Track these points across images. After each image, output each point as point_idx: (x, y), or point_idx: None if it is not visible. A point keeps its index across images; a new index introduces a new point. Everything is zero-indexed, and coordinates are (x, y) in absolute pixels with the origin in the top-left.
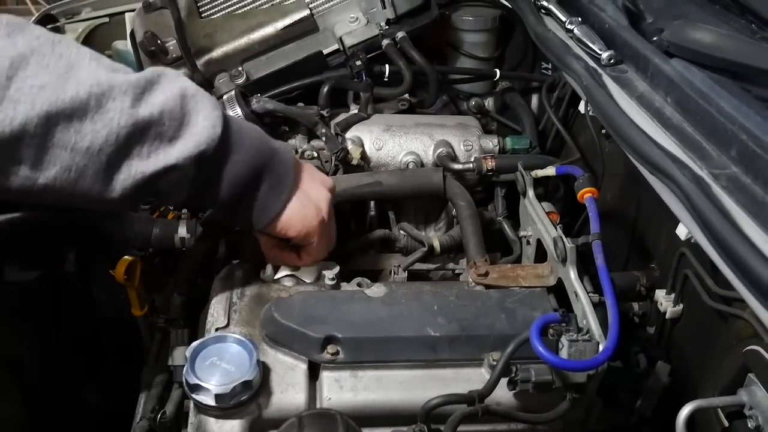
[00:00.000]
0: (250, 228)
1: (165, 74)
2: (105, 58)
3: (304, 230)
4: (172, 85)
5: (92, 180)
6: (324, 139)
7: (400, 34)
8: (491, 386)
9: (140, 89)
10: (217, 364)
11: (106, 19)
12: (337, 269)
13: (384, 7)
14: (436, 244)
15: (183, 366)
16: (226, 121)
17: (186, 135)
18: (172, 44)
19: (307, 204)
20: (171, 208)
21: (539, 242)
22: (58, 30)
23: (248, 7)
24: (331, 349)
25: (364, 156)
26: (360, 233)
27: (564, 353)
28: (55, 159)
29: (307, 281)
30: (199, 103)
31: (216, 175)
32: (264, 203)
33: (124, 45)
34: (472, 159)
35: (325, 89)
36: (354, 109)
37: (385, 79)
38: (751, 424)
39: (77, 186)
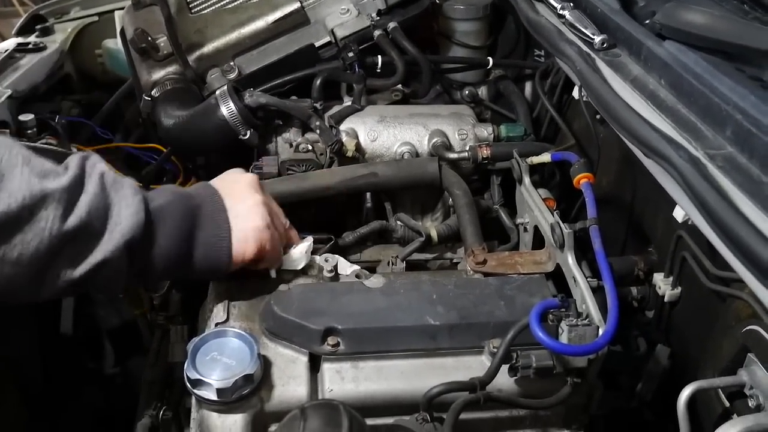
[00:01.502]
0: (214, 278)
1: (87, 164)
2: (36, 158)
3: (260, 248)
4: (94, 178)
5: (21, 287)
6: (318, 131)
7: (391, 25)
8: (492, 373)
9: (69, 194)
10: (217, 358)
11: (96, 18)
12: (335, 261)
13: None
14: (434, 234)
15: (183, 362)
16: (146, 201)
17: (112, 229)
18: (162, 41)
19: (248, 226)
20: None
21: (536, 229)
22: (47, 30)
23: (238, 2)
24: (331, 340)
25: (358, 148)
26: (357, 225)
27: (564, 338)
28: None
29: (298, 268)
30: (120, 191)
31: (149, 255)
32: (211, 255)
33: (115, 43)
34: (467, 148)
35: (318, 82)
36: (347, 101)
37: (378, 70)
38: (751, 403)
39: (7, 292)
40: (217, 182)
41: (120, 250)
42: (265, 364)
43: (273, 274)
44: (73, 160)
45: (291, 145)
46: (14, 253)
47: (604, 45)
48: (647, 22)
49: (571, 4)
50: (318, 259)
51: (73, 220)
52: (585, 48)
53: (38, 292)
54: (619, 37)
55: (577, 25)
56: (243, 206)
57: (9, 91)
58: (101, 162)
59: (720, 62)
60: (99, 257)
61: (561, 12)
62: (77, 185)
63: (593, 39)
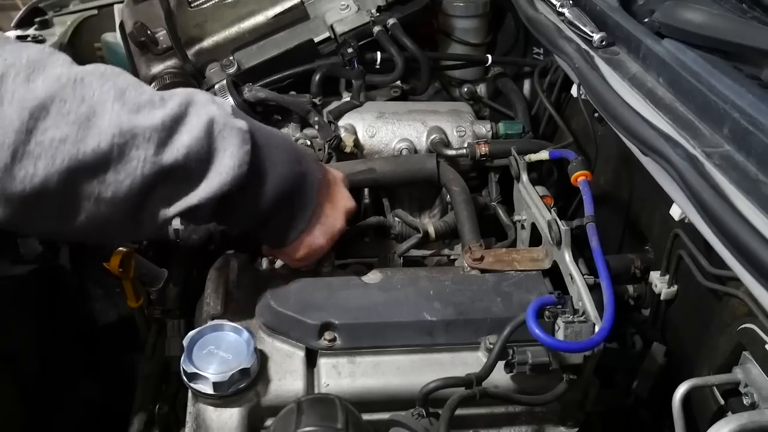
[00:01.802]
0: (256, 247)
1: (193, 104)
2: (132, 90)
3: (307, 259)
4: (200, 119)
5: (116, 226)
6: (317, 127)
7: (391, 21)
8: (488, 369)
9: (165, 132)
10: (214, 352)
11: (95, 12)
12: (332, 256)
13: None
14: (431, 230)
15: (180, 356)
16: (253, 153)
17: (211, 175)
18: (161, 35)
19: (319, 236)
20: None
21: (534, 226)
22: (46, 23)
23: None
24: (328, 335)
25: (357, 143)
26: (354, 221)
27: (560, 335)
28: (79, 210)
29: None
30: (227, 139)
31: (238, 211)
32: (279, 233)
33: (114, 37)
34: (466, 145)
35: (317, 77)
36: (346, 97)
37: (377, 67)
38: (746, 401)
39: (102, 232)
40: (326, 170)
41: (215, 198)
42: (262, 358)
43: (264, 264)
44: (178, 95)
45: None
46: (108, 193)
47: (603, 43)
48: (646, 20)
49: (571, 2)
50: None
51: (167, 160)
52: (584, 46)
53: (135, 232)
54: (617, 35)
55: (576, 22)
56: (333, 212)
57: None
58: (211, 105)
59: (718, 61)
60: (194, 201)
61: (560, 9)
62: (175, 122)
63: (592, 37)
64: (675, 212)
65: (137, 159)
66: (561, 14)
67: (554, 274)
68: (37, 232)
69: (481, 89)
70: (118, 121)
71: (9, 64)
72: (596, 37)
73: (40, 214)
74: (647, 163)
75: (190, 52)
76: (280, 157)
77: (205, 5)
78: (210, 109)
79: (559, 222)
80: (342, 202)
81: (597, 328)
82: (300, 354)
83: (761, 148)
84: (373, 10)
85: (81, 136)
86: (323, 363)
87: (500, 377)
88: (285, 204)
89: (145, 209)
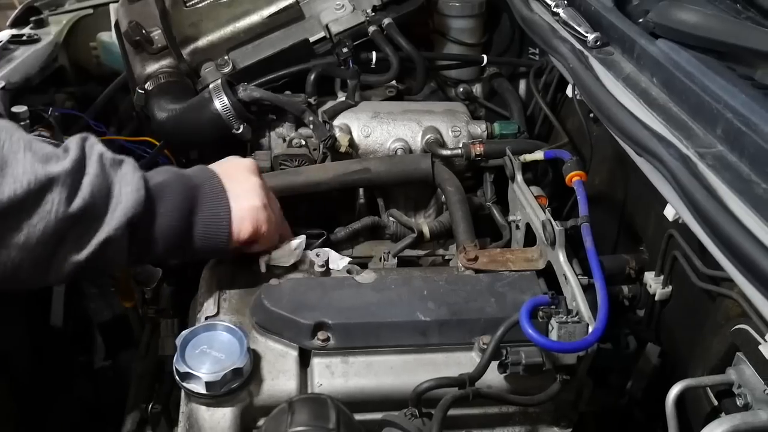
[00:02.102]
0: (213, 256)
1: (87, 145)
2: (37, 142)
3: (257, 227)
4: (93, 159)
5: (29, 272)
6: (312, 126)
7: (386, 21)
8: (482, 369)
9: (72, 176)
10: (207, 352)
11: (90, 11)
12: (327, 256)
13: None
14: (426, 230)
15: (173, 355)
16: (145, 179)
17: (114, 207)
18: (156, 34)
19: (245, 206)
20: None
21: (528, 226)
22: (42, 22)
23: None
24: (321, 335)
25: (352, 143)
26: (349, 220)
27: (554, 335)
28: None
29: (288, 264)
30: (119, 170)
31: (150, 232)
32: (210, 233)
33: (109, 36)
34: (461, 145)
35: (312, 77)
36: (341, 97)
37: (372, 66)
38: (739, 402)
39: (14, 278)
40: (215, 166)
41: (122, 227)
42: (255, 358)
43: (263, 267)
44: (73, 142)
45: (284, 140)
46: (21, 238)
47: (598, 43)
48: (641, 20)
49: (565, 2)
50: (309, 253)
51: (77, 203)
52: (578, 46)
53: (45, 277)
54: (612, 36)
55: (571, 22)
56: (241, 188)
57: (2, 83)
58: (99, 143)
59: (712, 61)
60: (102, 237)
61: (555, 10)
62: (79, 167)
63: (586, 37)
64: (669, 212)
65: (51, 203)
66: (556, 14)
67: (549, 275)
68: None
69: (477, 89)
70: (32, 169)
71: None
72: (591, 37)
73: None
74: (641, 163)
75: (185, 52)
76: (167, 178)
77: (200, 4)
78: (99, 148)
79: (554, 222)
80: (237, 170)
81: (590, 329)
82: (293, 354)
83: (754, 148)
84: (369, 10)
85: None
86: (316, 363)
87: (493, 377)
88: (192, 208)
89: (57, 254)
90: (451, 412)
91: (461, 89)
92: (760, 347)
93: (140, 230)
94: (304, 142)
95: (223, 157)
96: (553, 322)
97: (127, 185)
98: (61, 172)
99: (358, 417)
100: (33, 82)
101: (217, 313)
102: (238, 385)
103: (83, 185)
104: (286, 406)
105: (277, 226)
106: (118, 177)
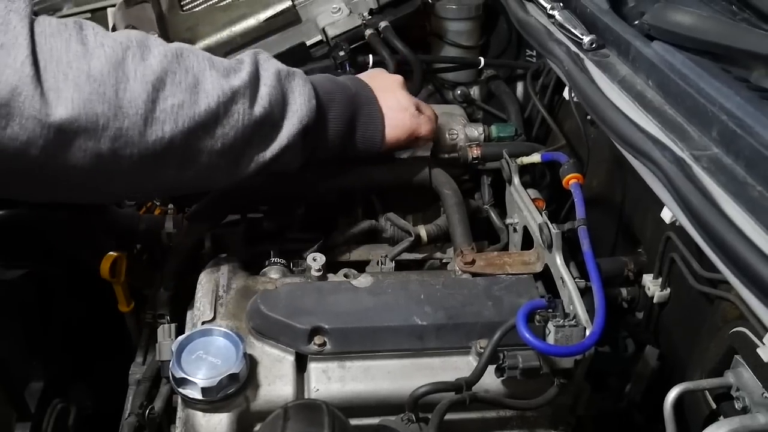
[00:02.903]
0: (370, 156)
1: (260, 61)
2: (215, 58)
3: (409, 128)
4: (269, 72)
5: (223, 173)
6: None
7: (383, 24)
8: (479, 373)
9: (251, 88)
10: (203, 357)
11: (88, 15)
12: (323, 260)
13: None
14: (423, 234)
15: (170, 361)
16: (315, 89)
17: (290, 115)
18: None
19: (395, 109)
20: (157, 203)
21: (526, 229)
22: None
23: None
24: (318, 340)
25: None
26: (346, 224)
27: (551, 339)
28: (195, 162)
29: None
30: (293, 82)
31: (320, 138)
32: (367, 137)
33: None
34: (458, 147)
35: None
36: None
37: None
38: (738, 405)
39: (211, 179)
40: (365, 76)
41: (299, 132)
42: (251, 363)
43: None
44: (246, 58)
45: None
46: (218, 145)
47: (593, 45)
48: (636, 22)
49: (561, 4)
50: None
51: (258, 110)
52: (574, 48)
53: (236, 175)
54: (607, 38)
55: (567, 25)
56: (392, 97)
57: None
58: (271, 58)
59: (707, 63)
60: (284, 140)
61: (551, 12)
62: (255, 79)
63: (582, 39)
64: (666, 215)
65: (237, 113)
66: (551, 17)
67: (546, 278)
68: (157, 184)
69: (474, 92)
70: (218, 84)
71: (125, 47)
72: (586, 39)
73: (164, 168)
74: (638, 165)
75: None
76: (333, 88)
77: (196, 9)
78: (273, 62)
79: (551, 225)
80: (381, 77)
81: (588, 332)
82: (290, 359)
83: (749, 151)
84: (365, 13)
85: (194, 100)
86: (313, 368)
87: (491, 382)
88: (353, 114)
89: (245, 155)
90: (448, 416)
91: (458, 92)
92: (758, 350)
93: (312, 135)
94: None
95: None
96: (551, 325)
97: (301, 95)
98: (241, 84)
99: (354, 422)
100: None
101: (214, 318)
102: (235, 391)
103: (261, 94)
104: (282, 412)
105: (430, 122)
106: (292, 88)
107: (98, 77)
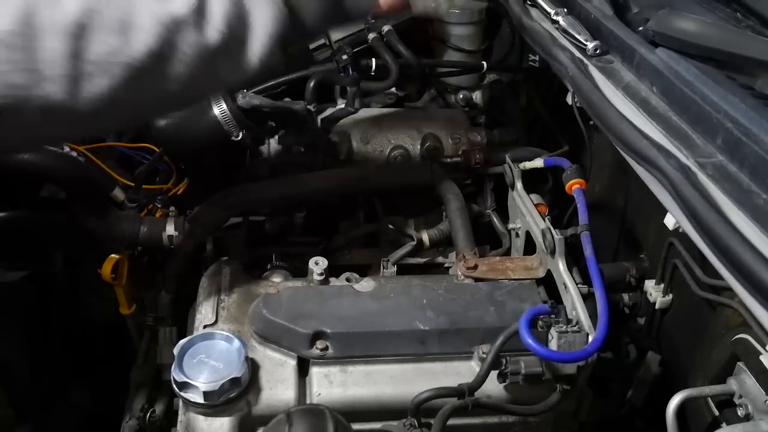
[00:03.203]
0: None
1: None
2: None
3: None
4: None
5: (191, 104)
6: (311, 133)
7: (386, 28)
8: (481, 379)
9: (198, 8)
10: (205, 361)
11: None
12: (325, 264)
13: None
14: (425, 238)
15: (171, 364)
16: None
17: (256, 31)
18: None
19: None
20: (159, 206)
21: (528, 234)
22: None
23: None
24: (320, 344)
25: (351, 150)
26: (349, 228)
27: (553, 345)
28: (152, 111)
29: None
30: None
31: (304, 30)
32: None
33: None
34: (460, 152)
35: (312, 84)
36: (341, 104)
37: (372, 73)
38: (740, 412)
39: (193, 99)
40: None
41: (273, 45)
42: (253, 367)
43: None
44: None
45: (283, 147)
46: (173, 87)
47: (597, 51)
48: (640, 29)
49: (565, 10)
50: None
51: (213, 36)
52: (578, 54)
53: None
54: (612, 44)
55: (570, 30)
56: None
57: None
58: None
59: (712, 70)
60: (255, 62)
61: (555, 17)
62: (201, 3)
63: (586, 45)
64: (669, 221)
65: (187, 45)
66: (555, 22)
67: (548, 283)
68: (112, 130)
69: (477, 96)
70: (154, 15)
71: None
72: (590, 45)
73: (117, 123)
74: (641, 172)
75: None
76: None
77: None
78: None
79: (553, 230)
80: None
81: (591, 338)
82: (292, 363)
83: (754, 158)
84: (368, 17)
85: (127, 41)
86: (315, 372)
87: (493, 387)
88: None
89: (217, 83)
90: (451, 422)
91: (461, 96)
92: (761, 357)
93: (290, 34)
94: (303, 150)
95: (222, 164)
96: (553, 331)
97: (260, 2)
98: (183, 8)
99: (356, 427)
100: None
101: (216, 322)
102: (236, 395)
103: (212, 16)
104: (284, 417)
105: None
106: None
107: (4, 40)
